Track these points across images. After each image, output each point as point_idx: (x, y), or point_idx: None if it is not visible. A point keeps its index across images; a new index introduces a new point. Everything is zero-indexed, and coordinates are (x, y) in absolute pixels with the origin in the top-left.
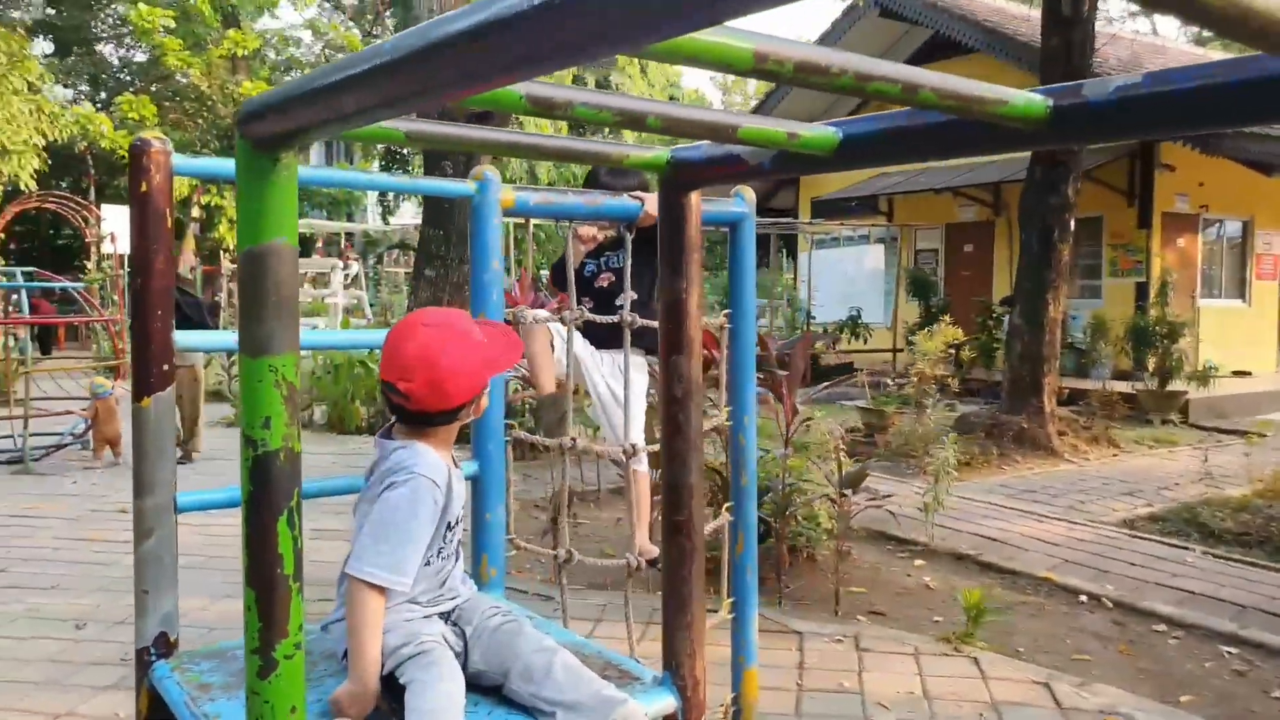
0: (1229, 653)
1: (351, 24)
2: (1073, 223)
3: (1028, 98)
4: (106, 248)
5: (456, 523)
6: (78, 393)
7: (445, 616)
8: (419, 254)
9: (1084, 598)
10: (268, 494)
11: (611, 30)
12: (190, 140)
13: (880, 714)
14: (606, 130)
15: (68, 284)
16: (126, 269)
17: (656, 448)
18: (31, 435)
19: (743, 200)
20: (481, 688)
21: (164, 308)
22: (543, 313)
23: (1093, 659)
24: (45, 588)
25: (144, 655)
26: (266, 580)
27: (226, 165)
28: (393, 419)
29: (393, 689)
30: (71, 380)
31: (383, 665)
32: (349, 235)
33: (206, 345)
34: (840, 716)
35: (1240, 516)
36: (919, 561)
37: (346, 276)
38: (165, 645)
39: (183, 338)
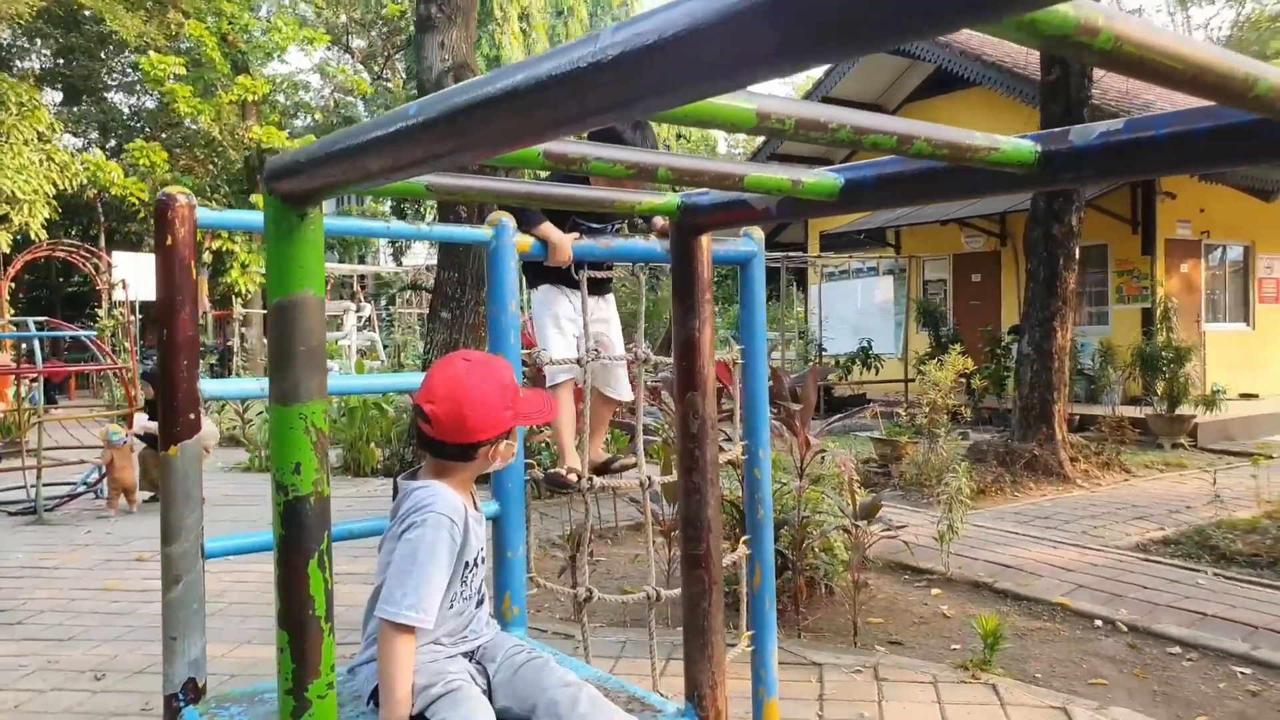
0: (1242, 673)
1: (360, 67)
2: (1077, 251)
3: (1016, 144)
4: (118, 294)
5: (478, 563)
6: (89, 441)
7: (469, 656)
8: (435, 296)
9: (1098, 622)
10: (299, 538)
11: (632, 97)
12: (201, 186)
13: None
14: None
15: (79, 332)
16: (138, 315)
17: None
18: (44, 485)
19: (751, 240)
20: None
21: (189, 357)
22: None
23: (1109, 683)
24: (63, 639)
25: (172, 702)
26: (298, 622)
27: (249, 217)
28: (415, 467)
29: None
30: (81, 428)
31: (416, 707)
32: (361, 277)
33: (232, 394)
34: None
35: (1250, 538)
36: (935, 590)
37: (360, 319)
38: (194, 691)
39: (209, 387)
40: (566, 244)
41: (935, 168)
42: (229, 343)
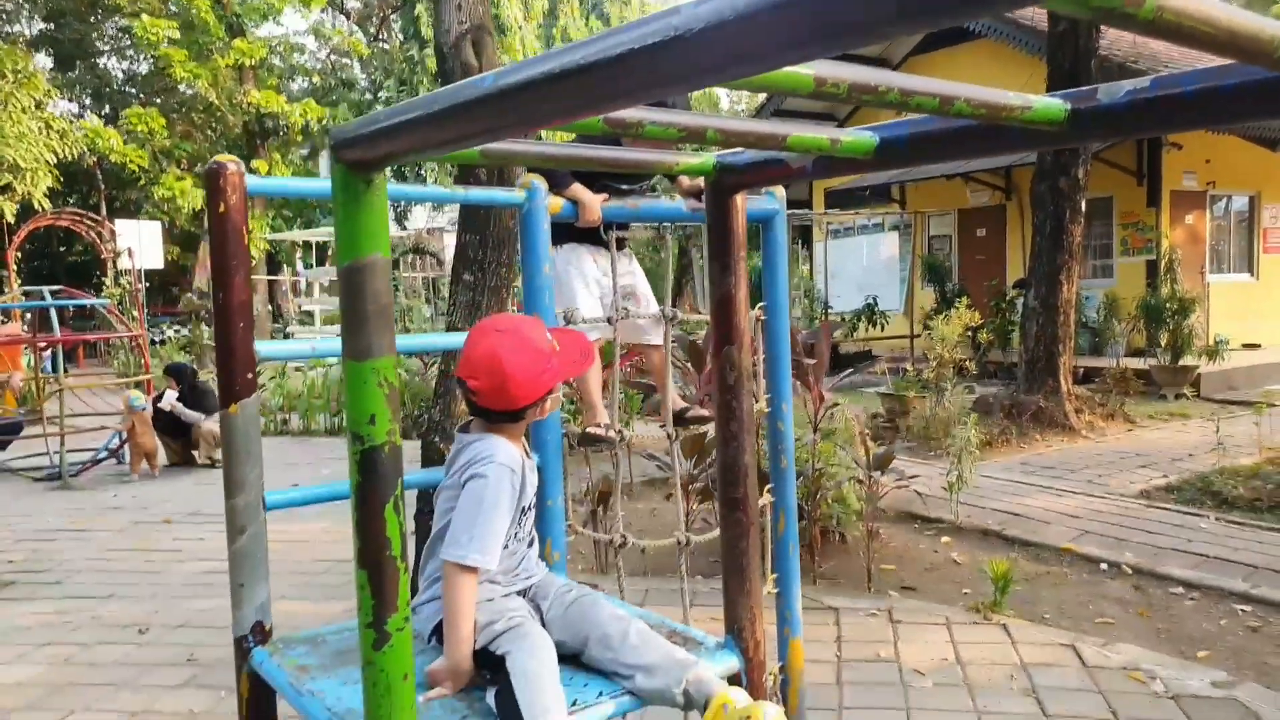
0: (1243, 610)
1: (356, 29)
2: (1084, 204)
3: (1047, 103)
4: (124, 263)
5: (531, 508)
6: (103, 409)
7: (523, 594)
8: (456, 259)
9: (1104, 566)
10: (375, 484)
11: (709, 68)
12: (201, 152)
13: (916, 680)
14: None
15: (95, 301)
16: (143, 284)
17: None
18: (67, 451)
19: (774, 198)
20: (560, 657)
21: (245, 320)
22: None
23: (1114, 622)
24: (103, 596)
25: (243, 643)
26: (376, 562)
27: (296, 184)
28: (469, 419)
29: (488, 662)
30: (93, 395)
31: (479, 642)
32: None
33: (285, 355)
34: (879, 683)
35: (1252, 483)
36: (945, 538)
37: None
38: (261, 633)
39: (264, 349)
40: (597, 204)
41: (967, 126)
42: None
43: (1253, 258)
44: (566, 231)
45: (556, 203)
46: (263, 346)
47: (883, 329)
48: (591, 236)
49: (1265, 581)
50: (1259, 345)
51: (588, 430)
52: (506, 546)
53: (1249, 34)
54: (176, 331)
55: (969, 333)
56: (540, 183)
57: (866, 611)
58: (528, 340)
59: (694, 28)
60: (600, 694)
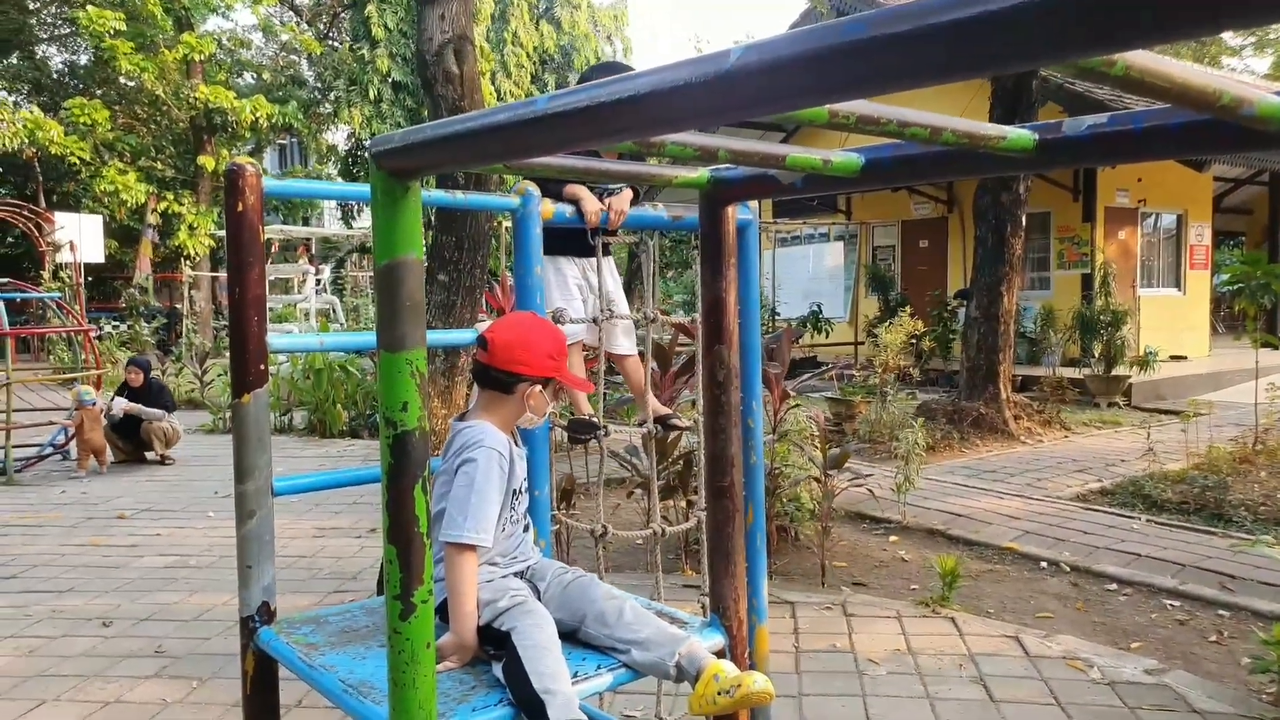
0: (1171, 605)
1: (306, 26)
2: (1024, 218)
3: (1019, 133)
4: (64, 256)
5: (522, 492)
6: (41, 404)
7: (520, 575)
8: (432, 259)
9: (1044, 564)
10: (406, 466)
11: (747, 104)
12: (145, 146)
13: (871, 668)
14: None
15: (45, 294)
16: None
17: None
18: (11, 447)
19: (747, 208)
20: (558, 634)
21: (258, 313)
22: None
23: (1054, 615)
24: (62, 590)
25: (249, 623)
26: (405, 538)
27: (312, 186)
28: (464, 411)
29: (492, 638)
30: (31, 392)
31: (483, 618)
32: (305, 240)
33: (295, 346)
34: (836, 672)
35: (1179, 487)
36: (893, 538)
37: (319, 282)
38: (267, 613)
39: (277, 340)
40: (597, 202)
41: (946, 151)
42: (177, 305)
43: (1180, 273)
44: (548, 240)
45: (549, 209)
46: (274, 339)
47: (827, 336)
48: (574, 246)
49: (1192, 579)
50: (1185, 357)
51: (573, 419)
52: (504, 529)
53: (1198, 88)
54: (115, 327)
55: (912, 341)
56: (534, 189)
57: (821, 605)
58: (553, 332)
59: (739, 69)
60: (599, 667)
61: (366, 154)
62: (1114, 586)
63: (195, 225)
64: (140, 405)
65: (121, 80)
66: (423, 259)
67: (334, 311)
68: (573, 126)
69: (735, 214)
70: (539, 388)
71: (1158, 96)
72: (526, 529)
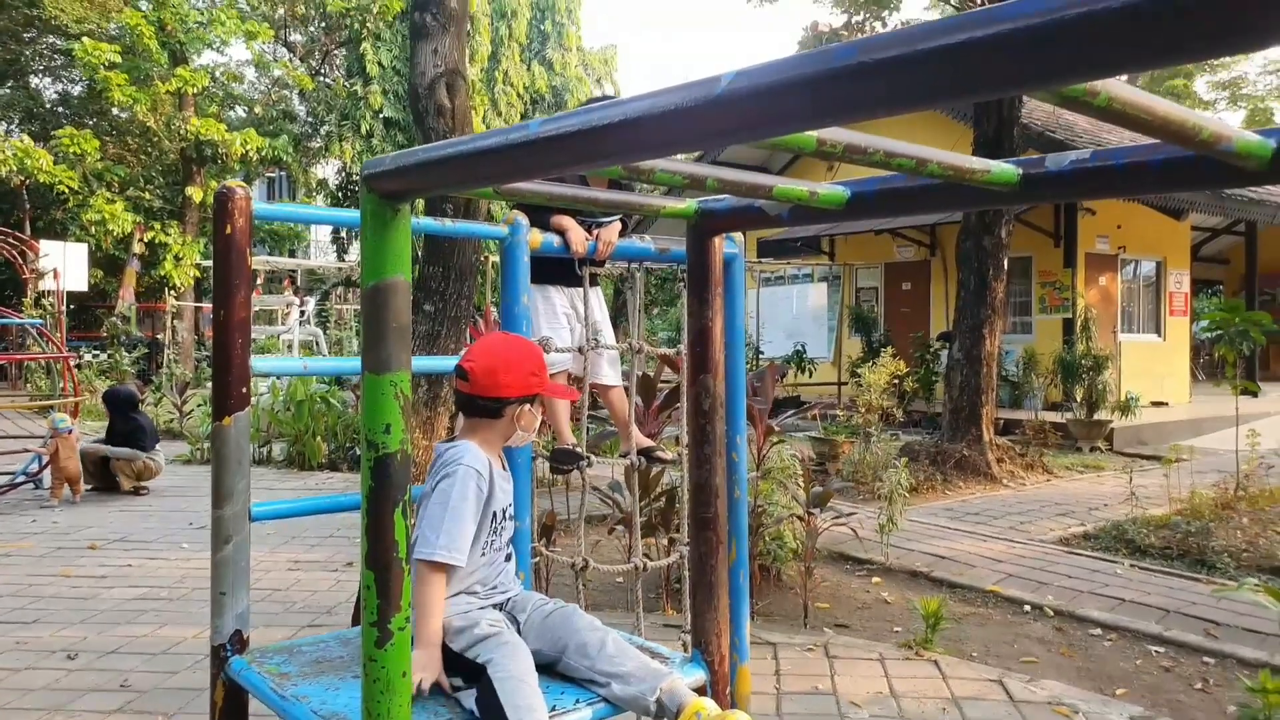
0: (1156, 651)
1: (299, 62)
2: (1006, 262)
3: (1003, 167)
4: (46, 284)
5: (506, 517)
6: (16, 432)
7: (499, 607)
8: (418, 290)
9: (1027, 607)
10: (387, 489)
11: (732, 129)
12: (134, 176)
13: (854, 711)
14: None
15: (27, 321)
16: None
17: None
18: None
19: (733, 242)
20: (536, 666)
21: (243, 335)
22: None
23: (1038, 660)
24: (27, 621)
25: (220, 651)
26: (384, 563)
27: (302, 210)
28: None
29: (466, 670)
30: (4, 419)
31: (457, 647)
32: (292, 273)
33: (280, 370)
34: (819, 714)
35: (1162, 532)
36: (876, 579)
37: (303, 314)
38: (240, 642)
39: (260, 363)
40: (583, 233)
41: (930, 184)
42: (159, 335)
43: (1160, 319)
44: (537, 270)
45: (536, 238)
46: (258, 362)
47: (810, 375)
48: (562, 275)
49: (1176, 624)
50: (1166, 403)
51: (557, 448)
52: (483, 555)
53: (1178, 120)
54: (95, 356)
55: (895, 381)
56: (522, 218)
57: (803, 646)
58: (529, 348)
59: (730, 94)
60: (577, 700)
61: (358, 181)
62: (1098, 631)
63: (181, 256)
64: (107, 446)
65: (114, 112)
66: (409, 280)
67: (317, 344)
68: (565, 150)
69: (722, 245)
70: (527, 405)
71: (1140, 129)
72: (509, 559)
